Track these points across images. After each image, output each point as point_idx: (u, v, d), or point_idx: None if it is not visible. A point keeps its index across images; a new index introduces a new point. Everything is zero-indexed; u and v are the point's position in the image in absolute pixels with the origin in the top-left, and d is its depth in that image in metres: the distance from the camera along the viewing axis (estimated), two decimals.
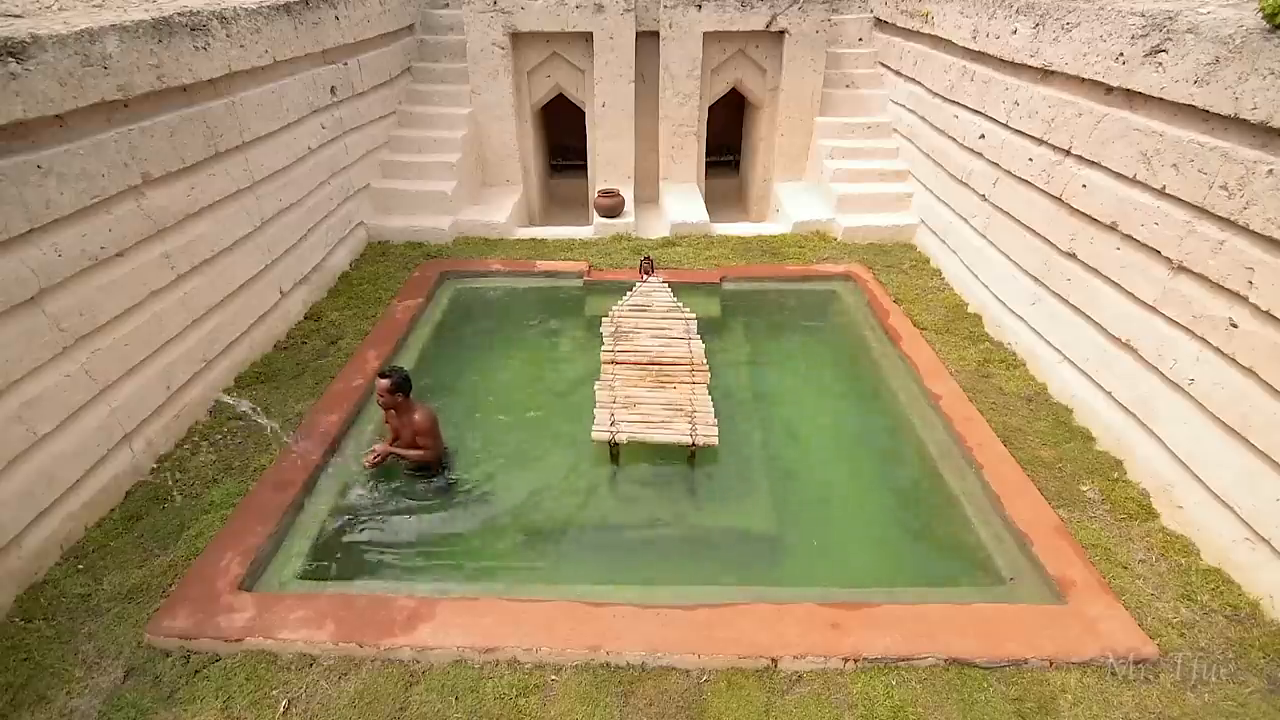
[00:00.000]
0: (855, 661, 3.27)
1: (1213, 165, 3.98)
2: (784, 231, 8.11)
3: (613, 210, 8.17)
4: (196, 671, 3.24)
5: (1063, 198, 5.31)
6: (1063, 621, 3.45)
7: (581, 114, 8.95)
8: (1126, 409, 4.57)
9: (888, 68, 8.94)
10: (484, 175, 8.97)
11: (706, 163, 9.35)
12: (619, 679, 3.23)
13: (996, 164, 6.24)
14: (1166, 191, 4.33)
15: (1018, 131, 5.97)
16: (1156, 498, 4.21)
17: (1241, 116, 3.78)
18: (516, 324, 6.63)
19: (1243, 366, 3.79)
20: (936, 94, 7.52)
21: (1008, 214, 6.08)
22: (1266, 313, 3.66)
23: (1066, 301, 5.28)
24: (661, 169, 9.06)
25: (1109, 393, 4.72)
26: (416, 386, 5.49)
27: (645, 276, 6.58)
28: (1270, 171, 3.61)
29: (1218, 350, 3.97)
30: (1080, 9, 5.15)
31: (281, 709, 3.09)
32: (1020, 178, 5.89)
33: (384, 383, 4.29)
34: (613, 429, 4.71)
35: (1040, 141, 5.63)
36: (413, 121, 8.58)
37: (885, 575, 4.04)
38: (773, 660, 3.27)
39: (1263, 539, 3.57)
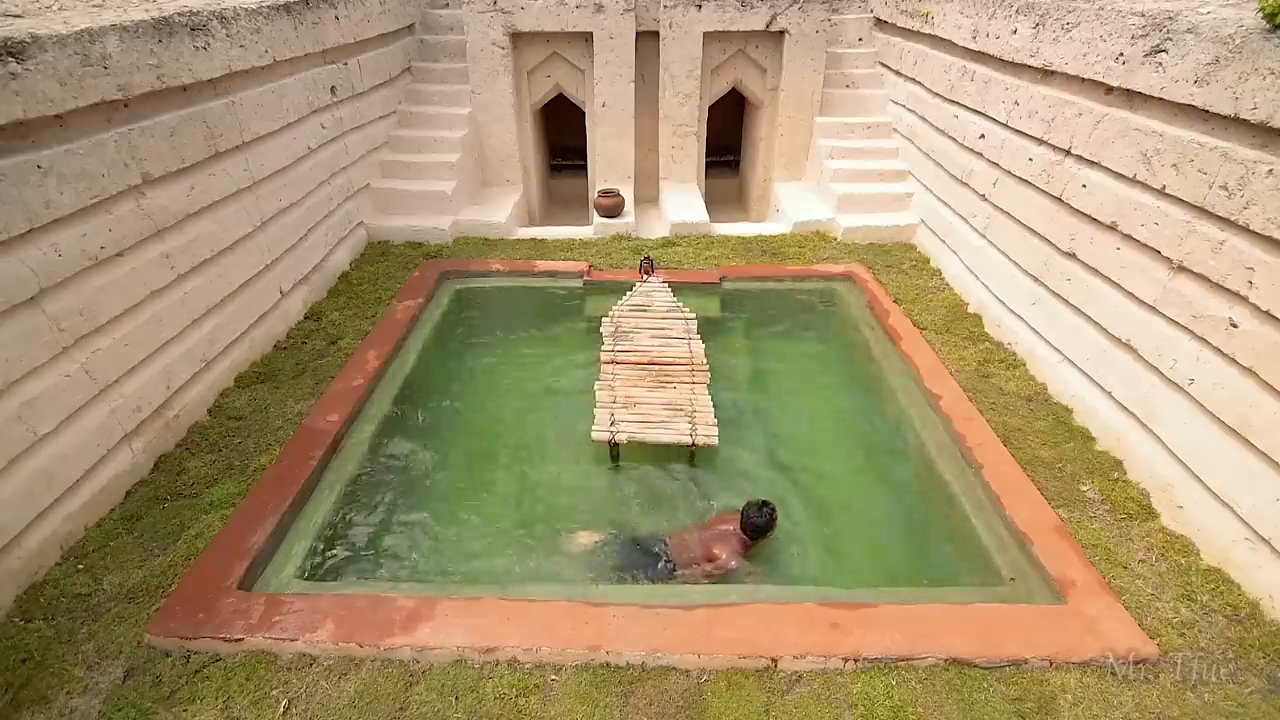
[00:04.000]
0: (855, 661, 3.27)
1: (1213, 165, 3.97)
2: (784, 231, 8.11)
3: (613, 210, 8.16)
4: (196, 671, 3.24)
5: (1063, 198, 5.30)
6: (1063, 621, 3.45)
7: (581, 114, 8.95)
8: (1126, 409, 4.56)
9: (888, 68, 8.94)
10: (484, 175, 8.96)
11: (706, 163, 9.34)
12: (619, 679, 3.23)
13: (996, 164, 6.24)
14: (1166, 191, 4.33)
15: (1018, 131, 5.96)
16: (1156, 498, 4.21)
17: (1241, 116, 3.78)
18: (516, 324, 6.63)
19: (1243, 366, 3.79)
20: (936, 94, 7.52)
21: (1008, 214, 6.07)
22: (1266, 313, 3.65)
23: (1066, 301, 5.27)
24: (661, 169, 9.05)
25: (1109, 392, 4.72)
26: (417, 388, 5.53)
27: (645, 276, 6.59)
28: (1270, 171, 3.61)
29: (1218, 350, 3.97)
30: (1080, 9, 5.15)
31: (281, 709, 3.09)
32: (1020, 178, 5.88)
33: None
34: (613, 429, 4.71)
35: (1040, 141, 5.63)
36: (413, 121, 8.58)
37: (885, 575, 4.04)
38: (773, 660, 3.27)
39: (1263, 539, 3.57)
